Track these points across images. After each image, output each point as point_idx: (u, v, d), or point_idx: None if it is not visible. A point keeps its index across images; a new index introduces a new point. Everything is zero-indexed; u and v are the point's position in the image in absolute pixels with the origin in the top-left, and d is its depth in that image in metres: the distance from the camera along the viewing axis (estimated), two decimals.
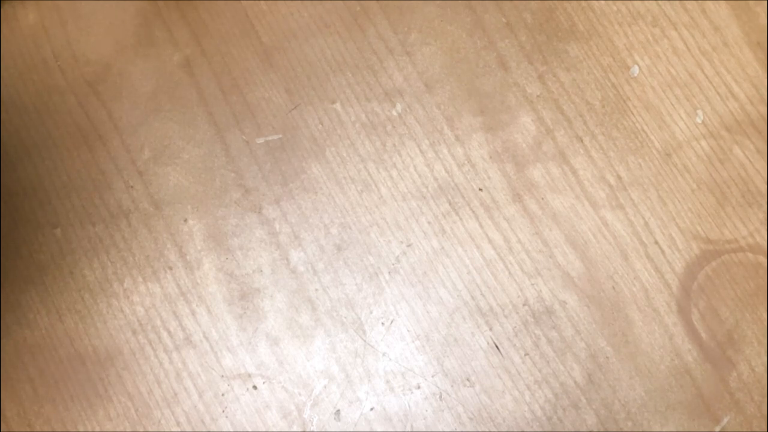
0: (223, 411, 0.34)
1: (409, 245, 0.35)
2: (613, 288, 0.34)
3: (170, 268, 0.35)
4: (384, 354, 0.34)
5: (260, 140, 0.36)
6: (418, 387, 0.34)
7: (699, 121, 0.36)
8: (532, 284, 0.34)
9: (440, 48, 0.37)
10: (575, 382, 0.33)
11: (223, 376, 0.34)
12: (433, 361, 0.34)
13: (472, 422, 0.33)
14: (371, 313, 0.34)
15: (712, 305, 0.34)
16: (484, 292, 0.34)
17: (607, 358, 0.34)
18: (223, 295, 0.34)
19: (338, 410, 0.33)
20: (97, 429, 0.33)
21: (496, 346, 0.34)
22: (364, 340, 0.34)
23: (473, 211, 0.35)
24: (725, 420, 0.33)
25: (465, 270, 0.35)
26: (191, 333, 0.34)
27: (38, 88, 0.37)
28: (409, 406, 0.33)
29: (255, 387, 0.34)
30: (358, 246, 0.35)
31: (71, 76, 0.37)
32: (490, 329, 0.34)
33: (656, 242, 0.35)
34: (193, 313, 0.34)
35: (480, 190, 0.35)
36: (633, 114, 0.36)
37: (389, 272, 0.35)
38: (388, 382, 0.34)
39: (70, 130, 0.36)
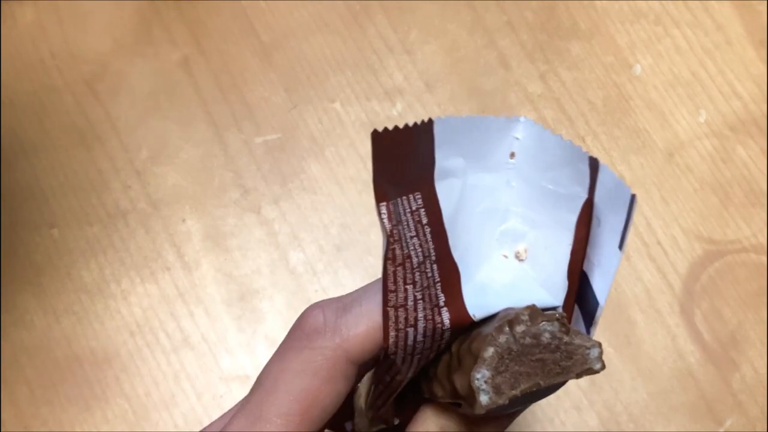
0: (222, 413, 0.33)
1: None
2: (615, 289, 0.34)
3: (168, 269, 0.35)
4: None
5: (259, 140, 0.36)
6: None
7: (702, 120, 0.36)
8: None
9: (441, 47, 0.37)
10: (577, 383, 0.33)
11: (221, 377, 0.34)
12: None
13: None
14: None
15: (715, 306, 0.34)
16: None
17: (609, 359, 0.33)
18: (222, 296, 0.34)
19: None
20: (95, 431, 0.33)
21: None
22: None
23: None
24: (728, 422, 0.33)
25: None
26: (189, 334, 0.34)
27: (35, 87, 0.36)
28: None
29: None
30: (358, 246, 0.35)
31: (69, 75, 0.37)
32: None
33: (658, 242, 0.35)
34: (192, 315, 0.34)
35: None
36: (635, 113, 0.36)
37: None
38: None
39: (67, 130, 0.36)
